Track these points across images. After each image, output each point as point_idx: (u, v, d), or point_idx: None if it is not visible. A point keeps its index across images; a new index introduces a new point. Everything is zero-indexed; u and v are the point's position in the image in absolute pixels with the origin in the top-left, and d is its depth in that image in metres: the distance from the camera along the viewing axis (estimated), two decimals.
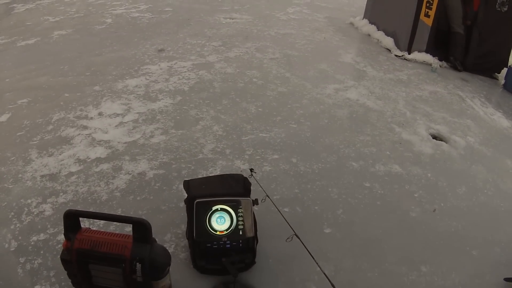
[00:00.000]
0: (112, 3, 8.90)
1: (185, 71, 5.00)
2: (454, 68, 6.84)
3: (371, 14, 8.38)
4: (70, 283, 1.92)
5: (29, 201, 2.75)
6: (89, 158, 3.25)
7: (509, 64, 7.02)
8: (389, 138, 3.97)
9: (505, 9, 6.75)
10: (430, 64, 6.66)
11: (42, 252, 2.36)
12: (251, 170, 2.67)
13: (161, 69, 5.05)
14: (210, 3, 9.28)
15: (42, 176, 3.01)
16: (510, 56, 7.15)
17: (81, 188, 2.89)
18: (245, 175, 2.39)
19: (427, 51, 6.85)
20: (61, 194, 2.83)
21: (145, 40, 6.24)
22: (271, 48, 6.22)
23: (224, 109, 4.12)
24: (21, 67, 5.21)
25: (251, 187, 2.29)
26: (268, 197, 2.37)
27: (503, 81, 6.85)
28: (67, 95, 4.33)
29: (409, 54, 6.88)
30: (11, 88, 4.53)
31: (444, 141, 4.13)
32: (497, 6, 6.77)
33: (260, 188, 2.50)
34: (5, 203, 2.74)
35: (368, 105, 4.64)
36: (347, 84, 5.18)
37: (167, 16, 7.87)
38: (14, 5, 10.06)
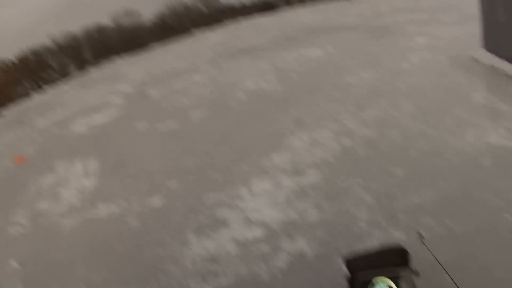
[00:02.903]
0: (242, 80, 9.43)
1: (327, 141, 5.16)
2: None
3: (491, 43, 7.75)
4: None
5: (189, 281, 2.85)
6: (247, 239, 3.33)
7: None
8: None
9: None
10: None
11: None
12: (419, 234, 2.57)
13: (303, 141, 5.27)
14: (335, 66, 9.52)
15: (201, 258, 3.13)
16: None
17: (241, 269, 2.94)
18: (402, 244, 2.45)
19: None
20: (222, 275, 2.90)
21: (281, 113, 6.58)
22: (403, 103, 6.10)
23: (372, 177, 4.14)
24: (166, 151, 5.70)
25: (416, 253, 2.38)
26: (441, 266, 2.32)
27: None
28: (217, 176, 4.55)
29: None
30: (160, 172, 4.96)
31: None
32: None
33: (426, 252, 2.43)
34: (166, 283, 2.86)
35: (511, 146, 4.34)
36: (484, 127, 4.89)
37: (297, 85, 8.21)
38: (148, 89, 11.20)
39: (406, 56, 9.25)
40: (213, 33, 32.48)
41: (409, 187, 3.83)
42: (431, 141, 4.74)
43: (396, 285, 2.16)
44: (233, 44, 21.52)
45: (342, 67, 9.20)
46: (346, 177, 4.13)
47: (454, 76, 7.06)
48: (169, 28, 34.73)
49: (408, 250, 2.36)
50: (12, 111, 19.76)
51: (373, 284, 2.16)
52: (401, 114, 5.70)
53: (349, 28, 18.60)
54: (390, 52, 10.09)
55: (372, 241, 3.15)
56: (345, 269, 2.36)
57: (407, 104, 6.06)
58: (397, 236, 3.18)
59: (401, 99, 6.31)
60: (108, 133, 8.66)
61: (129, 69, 19.34)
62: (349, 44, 13.16)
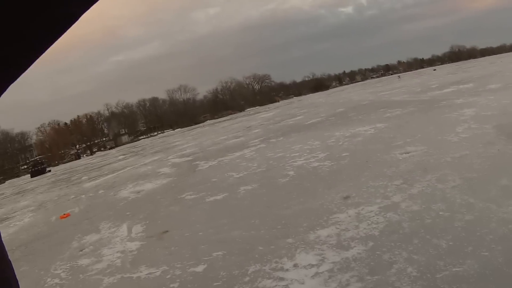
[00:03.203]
0: (291, 155, 9.90)
1: (373, 216, 5.29)
2: None
3: None
4: None
5: None
6: None
7: None
8: None
9: None
10: None
11: None
12: None
13: (349, 216, 5.43)
14: (383, 141, 9.72)
15: None
16: None
17: None
18: None
19: None
20: None
21: (329, 188, 6.79)
22: (450, 176, 6.23)
23: (416, 249, 4.21)
24: (213, 222, 6.03)
25: None
26: None
27: None
28: (261, 248, 4.86)
29: None
30: (205, 241, 5.27)
31: None
32: None
33: None
34: None
35: None
36: None
37: (346, 161, 8.46)
38: (198, 162, 11.81)
39: (453, 128, 9.41)
40: (265, 111, 33.63)
41: (452, 258, 3.83)
42: (475, 212, 4.74)
43: None
44: (284, 121, 22.27)
45: (390, 143, 9.45)
46: (391, 251, 4.19)
47: (501, 145, 7.11)
48: (222, 104, 36.52)
49: None
50: (63, 169, 21.06)
51: None
52: (447, 186, 5.75)
53: (397, 103, 19.01)
54: (438, 125, 10.29)
55: None
56: None
57: (453, 176, 6.11)
58: None
59: (448, 172, 6.37)
60: (156, 201, 9.17)
61: (181, 141, 20.35)
62: (398, 120, 13.46)
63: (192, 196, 7.50)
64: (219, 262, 4.64)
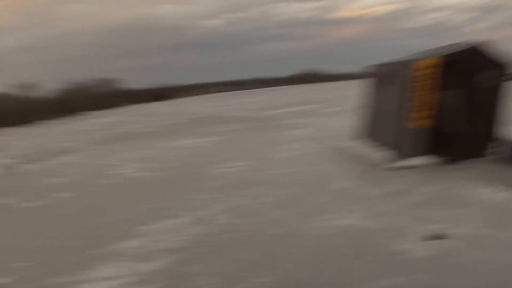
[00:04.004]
0: (114, 164, 9.51)
1: (186, 227, 5.21)
2: (454, 161, 6.97)
3: (366, 133, 8.84)
4: None
5: None
6: None
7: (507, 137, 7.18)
8: (391, 252, 4.01)
9: (492, 84, 7.16)
10: (428, 165, 6.82)
11: None
12: None
13: (165, 227, 5.26)
14: (211, 155, 9.90)
15: None
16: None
17: None
18: None
19: (425, 153, 7.06)
20: None
21: (144, 200, 6.62)
22: (267, 192, 6.47)
23: (225, 262, 4.18)
24: (24, 230, 5.47)
25: None
26: None
27: (504, 155, 6.95)
28: (66, 259, 4.47)
29: (407, 162, 7.01)
30: (15, 250, 4.75)
31: (445, 238, 4.19)
32: (482, 84, 7.15)
33: None
34: None
35: (366, 226, 4.73)
36: (344, 211, 5.28)
37: (171, 172, 8.40)
38: (18, 165, 10.79)
39: (281, 146, 9.99)
40: (104, 116, 32.40)
41: (257, 270, 3.89)
42: (285, 227, 4.93)
43: None
44: (123, 127, 21.62)
45: (217, 156, 9.62)
46: (192, 262, 4.17)
47: (324, 164, 7.69)
48: (63, 106, 34.19)
49: None
50: None
51: None
52: (262, 202, 5.95)
53: (236, 119, 19.70)
54: (268, 142, 10.83)
55: None
56: None
57: (269, 192, 6.37)
58: None
59: (265, 188, 6.62)
60: None
61: (11, 141, 18.46)
62: (231, 135, 13.88)
63: (8, 203, 6.78)
64: (24, 274, 4.20)
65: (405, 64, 7.50)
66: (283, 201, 5.96)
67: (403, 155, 7.14)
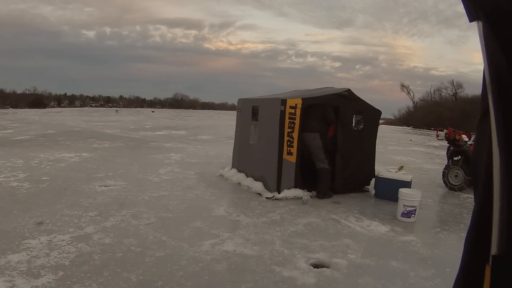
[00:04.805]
0: None
1: (65, 245, 5.27)
2: (325, 196, 7.69)
3: (238, 163, 9.43)
4: None
5: None
6: None
7: (376, 174, 8.20)
8: (271, 280, 4.40)
9: (361, 126, 8.16)
10: (301, 198, 7.42)
11: None
12: None
13: (41, 243, 5.26)
14: (86, 171, 9.83)
15: None
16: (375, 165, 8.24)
17: None
18: None
19: (295, 186, 7.67)
20: None
21: (24, 211, 6.50)
22: (146, 213, 6.73)
23: (106, 281, 4.35)
24: None
25: None
26: None
27: (373, 191, 7.89)
28: None
29: (279, 193, 7.67)
30: None
31: (325, 267, 4.70)
32: (354, 126, 8.11)
33: None
34: None
35: (246, 253, 5.16)
36: (222, 237, 5.70)
37: (45, 185, 8.22)
38: None
39: (156, 169, 10.29)
40: None
41: None
42: (167, 249, 5.21)
43: None
44: None
45: (92, 173, 9.59)
46: (81, 282, 4.25)
47: (202, 192, 8.06)
48: None
49: None
50: None
51: None
52: (141, 223, 6.19)
53: (108, 136, 19.42)
54: (142, 164, 11.04)
55: None
56: None
57: (148, 214, 6.63)
58: None
59: (144, 209, 6.88)
60: None
61: None
62: (104, 152, 13.83)
63: None
64: None
65: (274, 101, 7.94)
66: (163, 224, 6.22)
67: (273, 187, 7.78)
